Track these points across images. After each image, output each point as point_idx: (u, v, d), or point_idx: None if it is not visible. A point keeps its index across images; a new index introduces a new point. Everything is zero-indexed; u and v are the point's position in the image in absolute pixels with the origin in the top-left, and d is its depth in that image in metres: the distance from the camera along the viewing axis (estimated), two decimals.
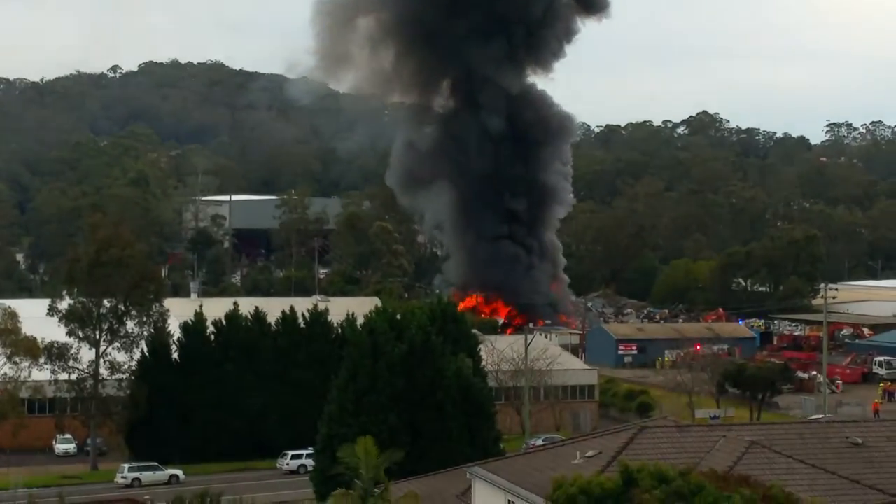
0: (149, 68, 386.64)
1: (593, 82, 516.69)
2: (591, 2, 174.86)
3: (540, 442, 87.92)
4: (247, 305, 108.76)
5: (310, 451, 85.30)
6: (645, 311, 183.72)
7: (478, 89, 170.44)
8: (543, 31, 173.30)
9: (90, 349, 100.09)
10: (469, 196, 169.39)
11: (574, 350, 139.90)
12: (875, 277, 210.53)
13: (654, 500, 33.56)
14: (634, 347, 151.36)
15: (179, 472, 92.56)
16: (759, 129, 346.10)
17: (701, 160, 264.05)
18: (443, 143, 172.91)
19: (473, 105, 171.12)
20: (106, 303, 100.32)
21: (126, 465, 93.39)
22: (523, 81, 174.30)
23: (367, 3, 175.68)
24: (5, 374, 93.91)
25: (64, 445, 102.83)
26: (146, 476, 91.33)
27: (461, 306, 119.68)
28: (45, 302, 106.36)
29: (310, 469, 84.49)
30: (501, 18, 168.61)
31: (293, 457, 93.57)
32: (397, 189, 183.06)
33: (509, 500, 53.25)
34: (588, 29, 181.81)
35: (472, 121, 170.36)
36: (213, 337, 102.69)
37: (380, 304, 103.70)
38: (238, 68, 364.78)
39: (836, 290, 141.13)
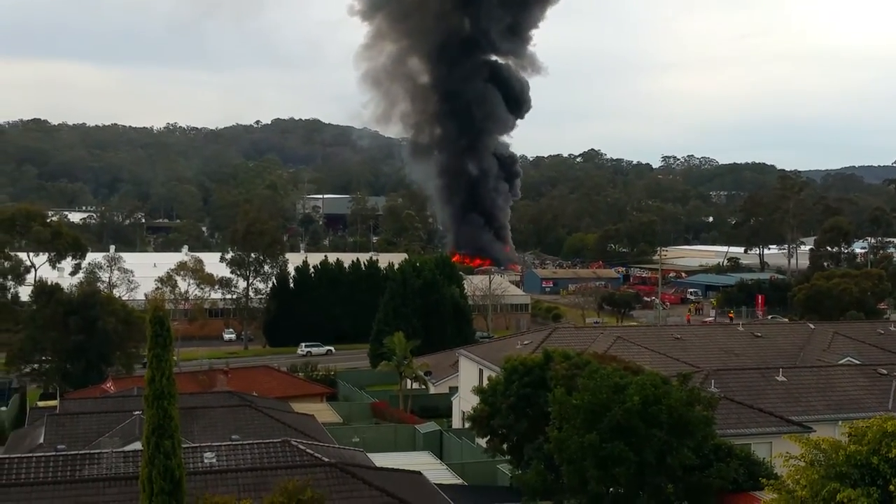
0: (276, 122, 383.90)
1: (531, 131, 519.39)
2: (519, 102, 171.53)
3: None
4: (331, 258, 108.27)
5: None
6: (557, 262, 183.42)
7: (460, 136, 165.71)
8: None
9: (243, 281, 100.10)
10: (451, 182, 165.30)
11: (517, 283, 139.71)
12: (689, 244, 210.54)
13: (562, 369, 33.67)
14: (552, 283, 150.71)
15: (332, 348, 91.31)
16: (623, 159, 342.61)
17: (589, 177, 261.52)
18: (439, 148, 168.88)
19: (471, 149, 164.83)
20: (252, 255, 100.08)
21: (304, 343, 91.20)
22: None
23: (396, 74, 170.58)
24: (196, 294, 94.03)
25: (228, 335, 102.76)
26: (315, 350, 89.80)
27: (454, 259, 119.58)
28: (218, 254, 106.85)
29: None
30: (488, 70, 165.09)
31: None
32: (410, 158, 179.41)
33: (480, 369, 53.43)
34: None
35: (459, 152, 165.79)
36: (312, 274, 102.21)
37: (407, 257, 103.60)
38: (327, 122, 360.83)
39: (666, 251, 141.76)
